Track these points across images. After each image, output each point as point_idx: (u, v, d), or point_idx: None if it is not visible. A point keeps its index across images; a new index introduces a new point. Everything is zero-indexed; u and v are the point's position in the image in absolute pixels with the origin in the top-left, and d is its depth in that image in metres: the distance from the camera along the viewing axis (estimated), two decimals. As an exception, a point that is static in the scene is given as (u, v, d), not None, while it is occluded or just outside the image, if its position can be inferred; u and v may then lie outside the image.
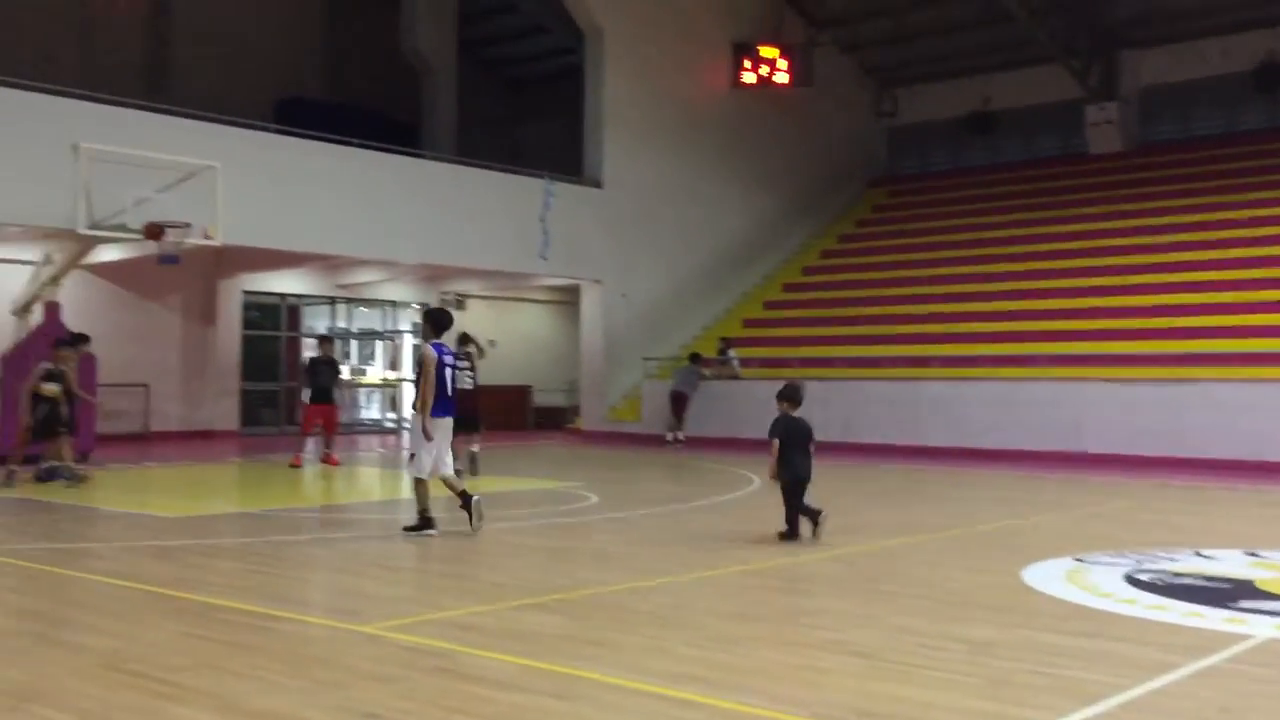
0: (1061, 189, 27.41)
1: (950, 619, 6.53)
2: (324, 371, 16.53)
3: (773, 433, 9.50)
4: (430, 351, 9.62)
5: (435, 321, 9.93)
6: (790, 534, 9.43)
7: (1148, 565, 8.33)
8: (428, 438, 9.49)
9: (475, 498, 9.76)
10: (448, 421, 9.77)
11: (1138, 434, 18.03)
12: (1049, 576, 7.84)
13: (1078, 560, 8.52)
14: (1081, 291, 22.30)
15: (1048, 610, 6.85)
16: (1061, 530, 10.55)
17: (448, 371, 9.67)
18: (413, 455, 9.61)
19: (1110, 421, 18.39)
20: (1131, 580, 7.72)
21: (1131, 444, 18.02)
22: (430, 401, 9.49)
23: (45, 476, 13.80)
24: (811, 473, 9.51)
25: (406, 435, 9.81)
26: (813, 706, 4.83)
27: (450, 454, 10.04)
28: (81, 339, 14.81)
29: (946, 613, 6.72)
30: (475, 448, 14.95)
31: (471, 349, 15.14)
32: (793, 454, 9.42)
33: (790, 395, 9.69)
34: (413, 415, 9.74)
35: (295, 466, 16.07)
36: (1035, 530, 10.55)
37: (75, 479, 13.38)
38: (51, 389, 13.66)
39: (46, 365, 13.83)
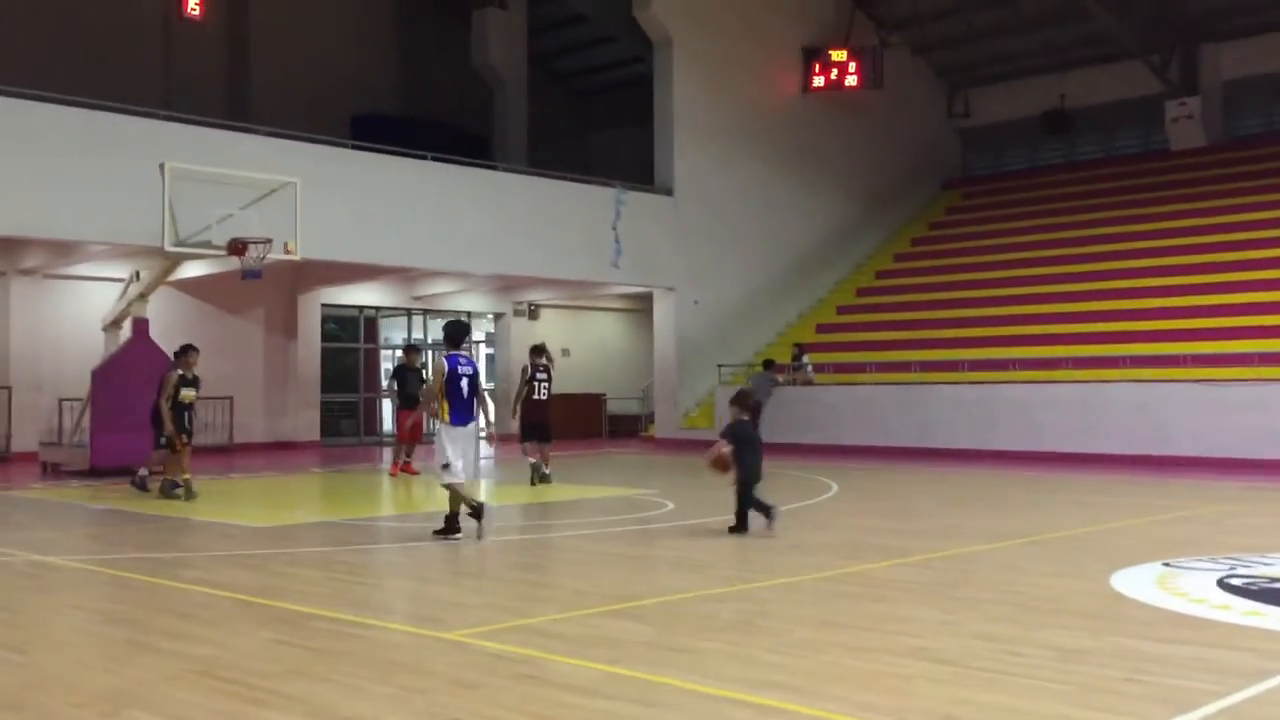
0: (1142, 187, 26.87)
1: (1037, 625, 6.42)
2: (411, 380, 16.75)
3: (725, 434, 10.22)
4: (442, 362, 9.95)
5: (450, 335, 10.32)
6: (740, 528, 10.03)
7: (1241, 570, 8.11)
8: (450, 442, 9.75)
9: (488, 507, 9.99)
10: (467, 430, 9.92)
11: (1226, 436, 17.57)
12: (1138, 582, 7.67)
13: (1167, 565, 8.33)
14: (1165, 291, 21.82)
15: (1138, 616, 6.70)
16: (1150, 535, 10.32)
17: (463, 382, 9.86)
18: (446, 465, 9.80)
19: (1197, 424, 17.95)
20: (1225, 585, 7.52)
21: (1220, 446, 17.57)
22: (439, 407, 9.80)
23: (142, 485, 14.13)
24: (762, 471, 10.16)
25: (440, 446, 9.86)
26: (897, 713, 4.78)
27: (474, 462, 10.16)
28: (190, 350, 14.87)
29: (1032, 619, 6.60)
30: (547, 469, 15.21)
31: (544, 360, 15.36)
32: (745, 454, 10.04)
33: (742, 401, 10.44)
34: (439, 425, 9.94)
35: (410, 473, 16.33)
36: (1122, 535, 10.32)
37: (184, 493, 13.41)
38: (190, 394, 13.69)
39: (180, 371, 13.62)
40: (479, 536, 9.77)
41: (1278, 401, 17.31)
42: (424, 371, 17.33)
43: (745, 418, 10.33)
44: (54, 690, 5.23)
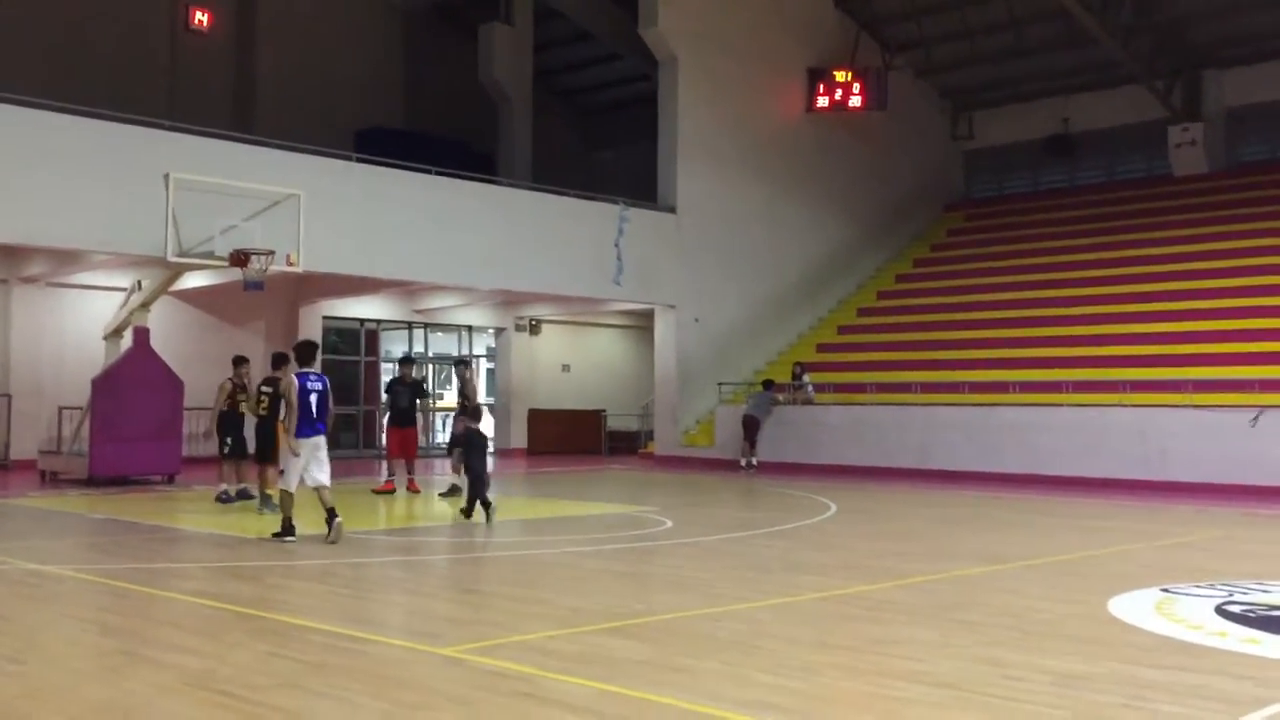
0: (1144, 212, 26.91)
1: (1034, 650, 6.41)
2: (402, 394, 16.29)
3: (458, 442, 13.11)
4: (292, 379, 10.75)
5: (300, 353, 11.06)
6: (467, 514, 12.39)
7: (1239, 597, 8.09)
8: (294, 453, 10.60)
9: (338, 519, 10.65)
10: (310, 441, 10.67)
11: (1224, 461, 17.55)
12: (1136, 608, 7.66)
13: (1166, 591, 8.31)
14: (1165, 316, 21.84)
15: (1136, 642, 6.69)
16: (1148, 560, 10.30)
17: (312, 397, 10.63)
18: (282, 471, 10.89)
19: (1195, 449, 17.93)
20: (1223, 612, 7.51)
21: (1218, 472, 17.55)
22: (294, 424, 10.60)
23: (227, 499, 14.18)
24: (486, 471, 12.58)
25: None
26: (894, 737, 4.77)
27: (325, 469, 10.77)
28: (243, 360, 14.97)
29: (1030, 643, 6.59)
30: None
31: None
32: (473, 458, 12.43)
33: (472, 414, 13.17)
34: (284, 437, 10.89)
35: (380, 492, 15.98)
36: (1120, 560, 10.31)
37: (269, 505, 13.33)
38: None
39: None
40: (331, 539, 10.46)
41: (1277, 428, 17.29)
42: (421, 385, 17.20)
43: (474, 426, 12.76)
44: (49, 701, 5.22)
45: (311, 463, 10.66)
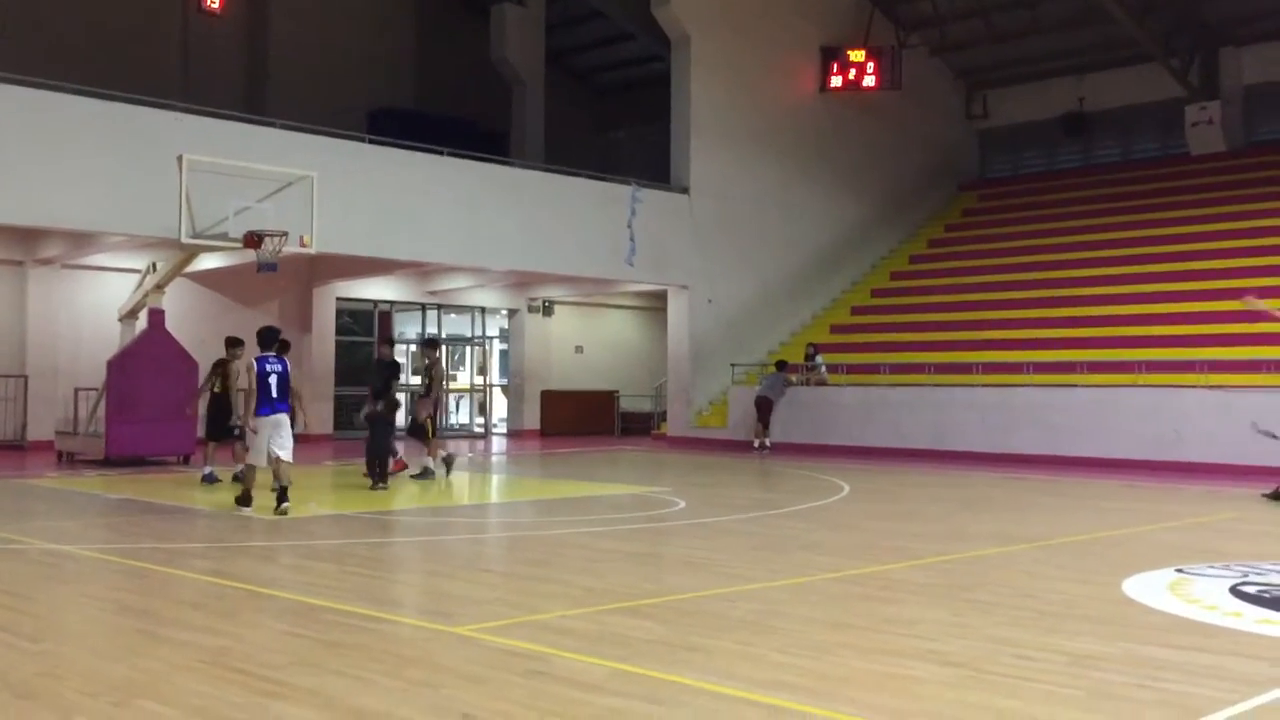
0: (1160, 191, 26.73)
1: (1048, 630, 6.41)
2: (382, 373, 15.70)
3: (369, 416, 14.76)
4: (252, 362, 11.59)
5: (262, 338, 11.85)
6: (377, 485, 14.08)
7: (1255, 577, 8.07)
8: (252, 430, 11.45)
9: (286, 503, 11.35)
10: (271, 419, 11.42)
11: (1241, 442, 17.45)
12: (1151, 588, 7.65)
13: (1180, 571, 8.30)
14: (1180, 296, 21.72)
15: (1150, 622, 6.68)
16: (1162, 541, 10.28)
17: (271, 379, 11.42)
18: (248, 447, 11.69)
19: (1210, 429, 17.85)
20: (1237, 593, 7.49)
21: (1234, 453, 17.47)
22: (254, 403, 11.39)
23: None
24: (394, 448, 14.73)
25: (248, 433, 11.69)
26: (906, 716, 4.78)
27: (288, 444, 11.50)
28: (238, 343, 15.00)
29: (1044, 623, 6.59)
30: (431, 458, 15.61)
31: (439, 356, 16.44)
32: (378, 435, 14.28)
33: (390, 406, 14.72)
34: (249, 417, 11.69)
35: (392, 473, 15.86)
36: (1135, 540, 10.29)
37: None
38: None
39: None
40: (280, 512, 11.15)
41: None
42: (397, 364, 16.83)
43: (377, 409, 14.45)
44: (67, 679, 5.27)
45: (274, 438, 11.40)
